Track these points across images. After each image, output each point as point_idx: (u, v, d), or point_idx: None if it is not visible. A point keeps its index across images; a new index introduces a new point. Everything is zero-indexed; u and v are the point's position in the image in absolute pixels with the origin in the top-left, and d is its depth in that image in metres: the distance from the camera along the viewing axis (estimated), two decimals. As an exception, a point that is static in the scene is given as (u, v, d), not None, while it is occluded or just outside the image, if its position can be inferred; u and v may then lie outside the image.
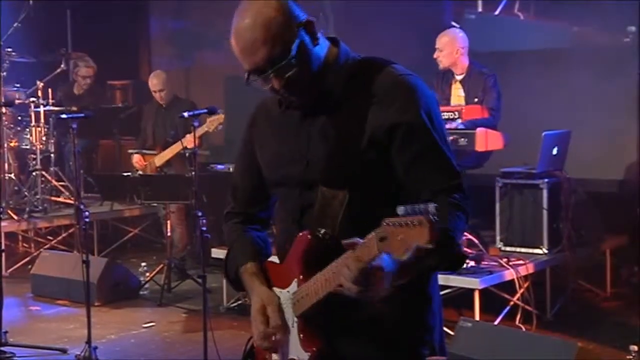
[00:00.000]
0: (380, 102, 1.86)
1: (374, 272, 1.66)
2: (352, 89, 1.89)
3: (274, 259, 2.03)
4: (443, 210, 1.78)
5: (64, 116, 4.95)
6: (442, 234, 1.57)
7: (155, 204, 7.26)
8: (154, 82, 7.11)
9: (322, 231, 1.86)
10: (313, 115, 1.93)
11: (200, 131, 6.22)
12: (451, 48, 5.75)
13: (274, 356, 1.95)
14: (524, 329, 4.99)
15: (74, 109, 7.33)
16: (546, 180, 5.50)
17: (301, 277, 1.85)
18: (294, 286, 1.88)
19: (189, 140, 6.44)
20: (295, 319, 1.86)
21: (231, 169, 7.55)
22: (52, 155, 7.66)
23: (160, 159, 6.95)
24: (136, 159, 7.07)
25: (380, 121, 1.85)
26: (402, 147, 1.85)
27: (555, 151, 5.61)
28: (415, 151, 1.85)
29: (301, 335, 1.83)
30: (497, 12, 6.97)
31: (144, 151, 7.12)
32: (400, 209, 1.55)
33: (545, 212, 5.47)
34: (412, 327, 1.93)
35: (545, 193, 5.48)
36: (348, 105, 1.89)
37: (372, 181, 1.87)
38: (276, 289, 1.96)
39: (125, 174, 7.33)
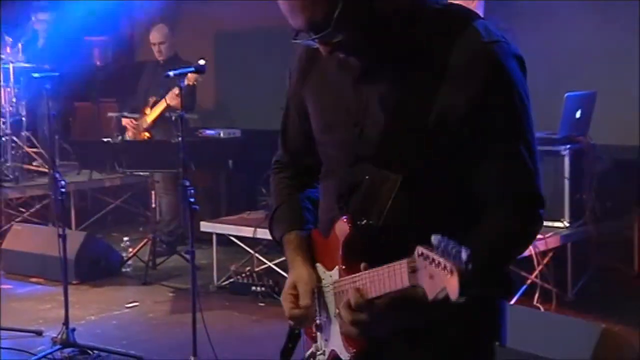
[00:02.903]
0: (458, 75, 1.69)
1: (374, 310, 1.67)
2: (425, 50, 1.73)
3: None
4: (500, 226, 1.73)
5: (36, 75, 4.92)
6: (477, 275, 1.45)
7: (138, 173, 7.26)
8: (155, 35, 7.06)
9: (364, 221, 1.79)
10: (374, 77, 1.79)
11: (176, 90, 6.18)
12: None
13: (319, 338, 1.94)
14: (542, 310, 5.01)
15: (47, 67, 7.29)
16: (568, 146, 5.49)
17: (343, 267, 1.82)
18: (335, 273, 1.85)
19: (171, 98, 6.43)
20: (337, 311, 1.82)
21: (222, 135, 7.56)
22: (23, 118, 7.63)
23: (145, 122, 6.93)
24: (125, 122, 7.05)
25: (454, 100, 1.69)
26: (478, 136, 1.71)
27: (578, 114, 5.59)
28: (493, 144, 1.72)
29: (344, 334, 1.82)
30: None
31: (126, 114, 7.09)
32: (435, 239, 1.48)
33: (567, 182, 5.47)
34: (481, 330, 1.88)
35: (567, 160, 5.47)
36: (417, 72, 1.74)
37: (432, 169, 1.75)
38: (320, 267, 1.92)
39: (105, 139, 7.32)
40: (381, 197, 1.77)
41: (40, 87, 5.02)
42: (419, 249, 1.53)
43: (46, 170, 7.40)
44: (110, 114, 7.51)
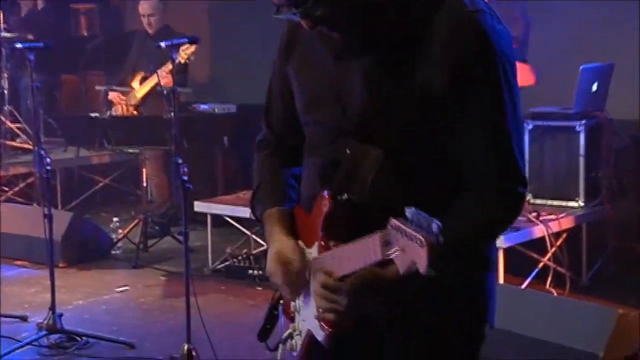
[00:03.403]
0: (442, 44, 1.72)
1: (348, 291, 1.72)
2: (407, 23, 1.77)
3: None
4: (480, 204, 1.78)
5: (19, 45, 4.90)
6: (448, 249, 1.52)
7: (128, 150, 7.25)
8: (144, 6, 7.03)
9: (345, 197, 1.83)
10: (356, 52, 1.83)
11: (169, 65, 6.17)
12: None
13: (298, 318, 1.96)
14: (555, 294, 5.03)
15: (31, 37, 7.26)
16: (584, 121, 5.48)
17: (322, 242, 1.85)
18: (315, 250, 1.88)
19: (162, 76, 6.40)
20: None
21: (217, 110, 7.55)
22: (5, 92, 7.62)
23: (134, 97, 6.92)
24: (113, 95, 7.04)
25: (437, 71, 1.73)
26: (459, 109, 1.75)
27: (594, 87, 5.58)
28: (474, 119, 1.75)
29: (319, 311, 1.84)
30: None
31: (115, 87, 7.08)
32: (409, 212, 1.52)
33: (582, 159, 5.47)
34: (464, 313, 1.93)
35: (582, 137, 5.47)
36: (400, 45, 1.78)
37: (414, 142, 1.79)
38: (301, 244, 1.95)
39: (92, 114, 7.29)
40: (362, 173, 1.82)
41: (23, 59, 5.00)
42: (392, 222, 1.56)
43: (30, 146, 7.40)
44: (98, 87, 7.49)
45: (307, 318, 1.91)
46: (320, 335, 1.84)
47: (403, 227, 1.53)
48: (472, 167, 1.79)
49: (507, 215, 1.85)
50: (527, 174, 1.85)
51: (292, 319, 1.99)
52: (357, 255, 1.69)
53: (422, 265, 1.49)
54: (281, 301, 2.05)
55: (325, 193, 1.85)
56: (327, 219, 1.85)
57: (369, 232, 1.66)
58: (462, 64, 1.72)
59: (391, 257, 1.58)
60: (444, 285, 1.74)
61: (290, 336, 1.98)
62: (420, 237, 1.48)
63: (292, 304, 1.99)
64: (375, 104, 1.81)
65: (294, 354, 1.96)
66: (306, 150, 2.02)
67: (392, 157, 1.79)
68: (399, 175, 1.80)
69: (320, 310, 1.82)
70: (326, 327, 1.82)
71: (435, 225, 1.49)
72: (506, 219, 1.86)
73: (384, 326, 1.89)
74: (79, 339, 4.72)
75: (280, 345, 2.01)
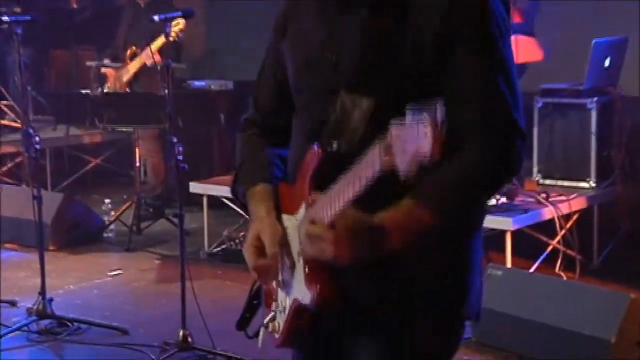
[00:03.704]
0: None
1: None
2: None
3: None
4: (474, 154, 1.79)
5: (5, 19, 4.87)
6: (450, 195, 1.55)
7: (120, 129, 7.24)
8: None
9: (335, 146, 1.85)
10: (353, 7, 1.90)
11: (157, 42, 6.15)
12: None
13: (280, 296, 1.96)
14: (565, 278, 5.03)
15: (17, 10, 7.23)
16: (596, 98, 5.46)
17: (310, 200, 1.85)
18: (302, 211, 1.88)
19: (148, 56, 6.39)
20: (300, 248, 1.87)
21: (213, 86, 7.53)
22: (-8, 68, 7.61)
23: (126, 72, 6.90)
24: (105, 71, 7.01)
25: (429, 21, 1.81)
26: (450, 57, 1.81)
27: (607, 63, 5.56)
28: (465, 67, 1.81)
29: (306, 269, 1.84)
30: None
31: (107, 63, 7.05)
32: (407, 110, 1.52)
33: (593, 138, 5.46)
34: (447, 278, 1.93)
35: (594, 114, 5.45)
36: None
37: (406, 91, 1.81)
38: (285, 217, 1.96)
39: (83, 91, 7.29)
40: (353, 123, 1.84)
41: (10, 33, 4.97)
42: (393, 127, 1.54)
43: (18, 125, 7.38)
44: (88, 63, 7.45)
45: (292, 287, 1.91)
46: (308, 297, 1.83)
47: (403, 124, 1.50)
48: (467, 118, 1.81)
49: (506, 169, 1.85)
50: (523, 126, 1.86)
51: (275, 300, 1.99)
52: (349, 182, 1.67)
53: (425, 153, 1.46)
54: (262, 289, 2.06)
55: (315, 146, 1.86)
56: (316, 171, 1.85)
57: None
58: (455, 18, 1.80)
59: (393, 162, 1.54)
60: (431, 252, 1.81)
61: (273, 318, 1.98)
62: (422, 125, 1.46)
63: (273, 302, 1.99)
64: (369, 53, 1.85)
65: (276, 335, 1.96)
66: (295, 120, 2.04)
67: (384, 108, 1.79)
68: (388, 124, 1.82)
69: (307, 268, 1.83)
70: (314, 285, 1.81)
71: (439, 109, 1.47)
72: (505, 173, 1.86)
73: (373, 300, 1.89)
74: (69, 324, 4.72)
75: (262, 330, 2.01)
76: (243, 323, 2.12)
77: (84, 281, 5.66)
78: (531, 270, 5.04)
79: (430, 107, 1.48)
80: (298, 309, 1.88)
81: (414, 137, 1.48)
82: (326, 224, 1.75)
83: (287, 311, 1.92)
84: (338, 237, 1.73)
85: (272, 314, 1.99)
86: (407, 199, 1.77)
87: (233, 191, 2.12)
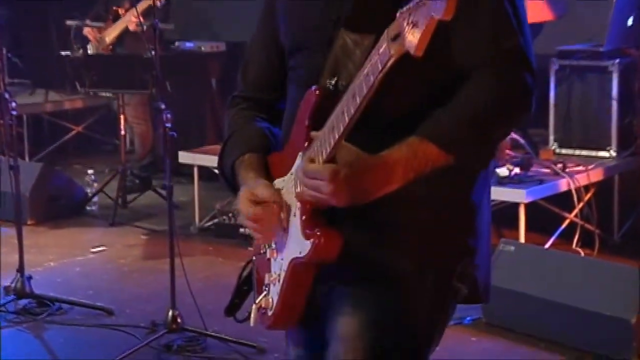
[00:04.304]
0: None
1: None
2: None
3: None
4: (480, 88, 1.80)
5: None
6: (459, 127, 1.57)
7: (104, 94, 7.23)
8: None
9: (334, 80, 1.87)
10: None
11: (142, 4, 6.13)
12: None
13: (274, 266, 1.98)
14: (582, 254, 5.05)
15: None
16: (617, 60, 5.46)
17: (307, 143, 1.86)
18: (298, 161, 1.89)
19: (130, 21, 6.37)
20: (298, 204, 1.87)
21: (204, 48, 7.51)
22: (-35, 28, 7.58)
23: (109, 34, 6.89)
24: (87, 31, 7.00)
25: None
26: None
27: (630, 22, 5.54)
28: (474, 5, 1.80)
29: (303, 218, 1.85)
30: None
31: (88, 23, 7.03)
32: None
33: (614, 104, 5.45)
34: (454, 224, 1.94)
35: (615, 78, 5.45)
36: None
37: None
38: (277, 182, 1.97)
39: (63, 53, 7.26)
40: (354, 59, 1.85)
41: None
42: (400, 13, 1.57)
43: (-6, 90, 7.37)
44: (69, 23, 7.42)
45: (288, 247, 1.92)
46: (304, 247, 1.84)
47: (411, 5, 1.52)
48: (472, 52, 1.83)
49: (515, 105, 1.86)
50: (535, 65, 1.86)
51: (266, 287, 2.01)
52: (362, 81, 1.68)
53: (445, 11, 1.48)
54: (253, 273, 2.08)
55: (313, 88, 1.88)
56: (314, 113, 1.85)
57: (362, 124, 1.72)
58: None
59: (403, 43, 1.56)
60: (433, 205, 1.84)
61: (266, 294, 1.99)
62: None
63: (267, 274, 2.00)
64: None
65: (269, 312, 1.97)
66: (289, 91, 2.05)
67: None
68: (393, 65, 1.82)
69: (303, 216, 1.84)
70: (313, 231, 1.82)
71: None
72: (514, 108, 1.86)
73: (367, 251, 1.90)
74: (50, 304, 4.74)
75: (254, 308, 2.02)
76: (232, 309, 2.14)
77: (66, 258, 5.67)
78: (546, 246, 5.06)
79: None
80: (296, 268, 1.89)
81: (424, 11, 1.51)
82: (324, 159, 1.76)
83: (282, 278, 1.93)
84: (336, 171, 1.74)
85: (265, 291, 2.00)
86: (412, 137, 1.78)
87: (220, 166, 2.13)
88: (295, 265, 1.89)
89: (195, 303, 4.21)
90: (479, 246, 1.98)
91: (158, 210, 6.47)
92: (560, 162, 5.32)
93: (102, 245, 5.89)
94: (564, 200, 5.22)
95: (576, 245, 5.21)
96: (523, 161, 5.22)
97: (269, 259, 1.99)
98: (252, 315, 2.03)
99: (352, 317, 1.91)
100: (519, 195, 4.92)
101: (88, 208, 6.66)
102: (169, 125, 4.24)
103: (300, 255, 1.86)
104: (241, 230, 5.78)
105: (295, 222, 1.89)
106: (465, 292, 1.97)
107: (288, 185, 1.93)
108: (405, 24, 1.57)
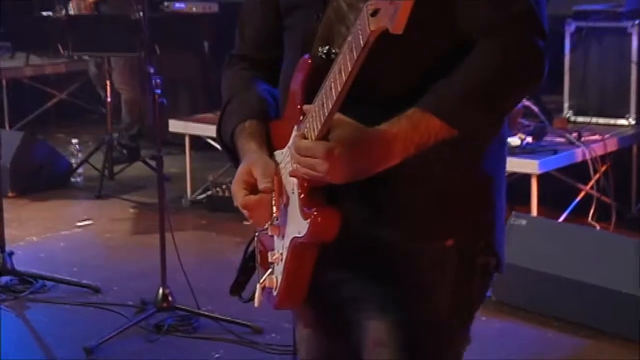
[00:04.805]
0: None
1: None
2: None
3: None
4: (488, 52, 1.79)
5: None
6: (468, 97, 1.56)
7: (88, 57, 7.22)
8: None
9: (326, 48, 1.87)
10: None
11: None
12: None
13: (277, 244, 1.99)
14: (598, 228, 5.06)
15: None
16: (637, 21, 5.45)
17: (301, 116, 1.86)
18: (293, 134, 1.89)
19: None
20: (296, 182, 1.88)
21: (195, 9, 7.49)
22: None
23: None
24: None
25: None
26: None
27: (651, -21, 5.54)
28: None
29: (301, 196, 1.86)
30: None
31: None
32: None
33: (634, 67, 5.45)
34: (469, 198, 1.94)
35: (634, 40, 5.44)
36: None
37: None
38: (277, 153, 1.98)
39: (44, 13, 7.25)
40: (348, 24, 1.83)
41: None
42: None
43: (-29, 53, 7.36)
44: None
45: (289, 226, 1.92)
46: (303, 228, 1.85)
47: None
48: (473, 10, 1.82)
49: (525, 71, 1.84)
50: (546, 27, 1.85)
51: (270, 265, 2.01)
52: (344, 60, 1.68)
53: None
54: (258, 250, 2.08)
55: (306, 56, 1.88)
56: (306, 83, 1.86)
57: (358, 93, 1.71)
58: None
59: (382, 22, 1.57)
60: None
61: (270, 273, 2.00)
62: None
63: (270, 252, 2.01)
64: None
65: (274, 292, 1.99)
66: (286, 44, 2.05)
67: None
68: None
69: (301, 194, 1.85)
70: (310, 210, 1.83)
71: None
72: (523, 73, 1.85)
73: (372, 231, 1.91)
74: (33, 281, 4.76)
75: (258, 288, 2.03)
76: (237, 288, 2.13)
77: (49, 232, 5.69)
78: (560, 219, 5.07)
79: None
80: (296, 248, 1.90)
81: None
82: (316, 136, 1.77)
83: (284, 258, 1.95)
84: (330, 148, 1.74)
85: (269, 270, 2.02)
86: (413, 109, 1.78)
87: (218, 133, 2.13)
88: (296, 245, 1.90)
89: (187, 280, 4.22)
90: (497, 219, 1.99)
91: (147, 182, 6.48)
92: (575, 131, 5.32)
93: (88, 219, 5.91)
94: (579, 171, 5.22)
95: (591, 219, 5.22)
96: (536, 130, 5.22)
97: (271, 236, 2.00)
98: (257, 295, 2.04)
99: (380, 321, 1.93)
100: (531, 166, 4.92)
101: (72, 180, 6.67)
102: (158, 91, 4.23)
103: (299, 235, 1.87)
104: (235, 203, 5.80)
105: (294, 200, 1.89)
106: (492, 266, 1.99)
107: (285, 160, 1.93)
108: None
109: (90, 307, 4.56)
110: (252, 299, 2.07)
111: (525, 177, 4.96)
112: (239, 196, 1.96)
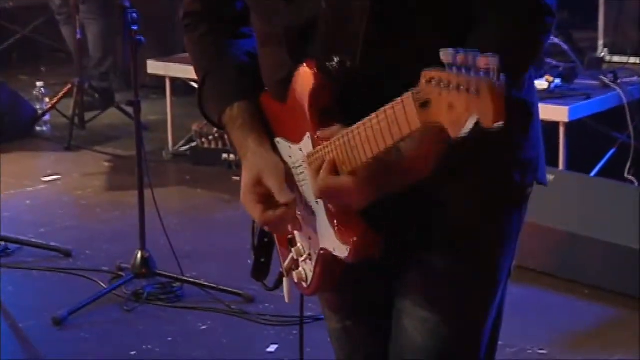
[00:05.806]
0: None
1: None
2: None
3: None
4: (495, 32, 1.81)
5: None
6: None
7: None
8: None
9: (336, 60, 1.85)
10: None
11: None
12: None
13: (300, 239, 2.01)
14: (637, 184, 5.08)
15: None
16: (682, -52, 5.44)
17: (317, 134, 1.86)
18: (307, 143, 1.89)
19: None
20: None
21: None
22: None
23: None
24: None
25: None
26: None
27: None
28: None
29: (335, 222, 1.87)
30: None
31: None
32: (446, 54, 1.51)
33: (677, 1, 5.45)
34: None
35: (679, -31, 5.44)
36: None
37: None
38: (281, 141, 1.98)
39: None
40: (350, 27, 1.83)
41: None
42: (427, 73, 1.56)
43: None
44: None
45: (317, 233, 1.94)
46: (343, 251, 1.87)
47: (445, 75, 1.53)
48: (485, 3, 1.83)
49: (533, 47, 1.87)
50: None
51: (292, 242, 2.03)
52: (380, 132, 1.69)
53: (488, 117, 1.49)
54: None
55: (307, 62, 1.87)
56: (315, 96, 1.86)
57: (376, 105, 1.70)
58: None
59: (435, 120, 1.57)
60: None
61: (295, 264, 2.02)
62: (477, 81, 1.49)
63: (295, 249, 2.02)
64: None
65: (305, 284, 2.01)
66: (255, 20, 2.04)
67: (386, 8, 1.81)
68: (398, 26, 1.82)
69: (335, 221, 1.87)
70: (349, 237, 1.85)
71: (494, 58, 1.48)
72: (531, 51, 1.88)
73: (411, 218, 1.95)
74: (-5, 244, 4.80)
75: (285, 280, 2.05)
76: (260, 271, 2.14)
77: (12, 189, 5.70)
78: (592, 174, 5.08)
79: (481, 59, 1.49)
80: (328, 259, 1.93)
81: (465, 100, 1.51)
82: (344, 173, 1.78)
83: (314, 259, 1.97)
84: (359, 187, 1.77)
85: (290, 258, 2.03)
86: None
87: (202, 112, 2.13)
88: (327, 256, 1.93)
89: (169, 243, 4.25)
90: (540, 159, 2.04)
91: (123, 131, 6.49)
92: (610, 72, 5.31)
93: (56, 174, 5.93)
94: (615, 118, 5.23)
95: (628, 173, 5.22)
96: (566, 71, 5.22)
97: (292, 228, 2.02)
98: (286, 291, 2.06)
99: (427, 322, 1.98)
100: (560, 113, 4.92)
101: (38, 129, 6.68)
102: (135, 27, 4.23)
103: (335, 253, 1.90)
104: (224, 156, 5.81)
105: (320, 212, 1.91)
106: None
107: (298, 163, 1.94)
108: (437, 97, 1.55)
109: (60, 272, 4.59)
110: (276, 286, 2.10)
111: (553, 125, 4.96)
112: (256, 212, 1.95)
